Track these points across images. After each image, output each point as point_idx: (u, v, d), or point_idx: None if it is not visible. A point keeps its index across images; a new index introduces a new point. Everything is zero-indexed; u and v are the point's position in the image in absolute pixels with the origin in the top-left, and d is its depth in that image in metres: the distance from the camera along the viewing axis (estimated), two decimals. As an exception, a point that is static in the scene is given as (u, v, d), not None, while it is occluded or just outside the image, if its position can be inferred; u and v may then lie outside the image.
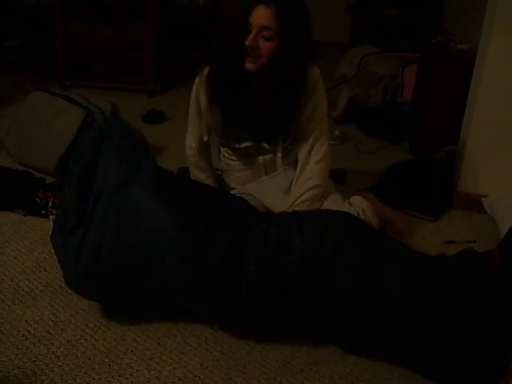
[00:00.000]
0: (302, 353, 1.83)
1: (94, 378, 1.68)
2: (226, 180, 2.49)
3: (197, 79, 2.26)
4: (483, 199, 2.82)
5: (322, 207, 2.22)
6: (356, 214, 2.22)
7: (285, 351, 1.83)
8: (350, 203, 2.31)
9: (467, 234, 2.64)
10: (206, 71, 2.22)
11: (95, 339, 1.82)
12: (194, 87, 2.28)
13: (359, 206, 2.29)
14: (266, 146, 2.24)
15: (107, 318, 1.91)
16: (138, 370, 1.72)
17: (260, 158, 2.28)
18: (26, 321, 1.88)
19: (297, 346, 1.86)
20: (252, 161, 2.31)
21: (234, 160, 2.36)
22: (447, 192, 2.87)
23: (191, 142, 2.40)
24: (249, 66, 2.05)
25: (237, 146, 2.28)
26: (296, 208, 2.17)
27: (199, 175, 2.43)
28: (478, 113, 2.77)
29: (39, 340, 1.81)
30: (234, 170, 2.40)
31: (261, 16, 1.97)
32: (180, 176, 2.61)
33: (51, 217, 2.43)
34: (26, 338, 1.81)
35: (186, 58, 5.57)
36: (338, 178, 2.78)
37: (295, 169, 2.27)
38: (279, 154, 2.25)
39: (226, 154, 2.38)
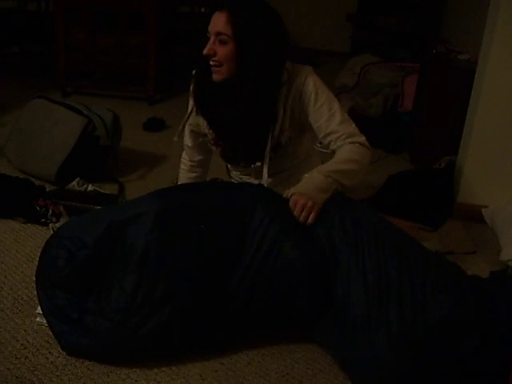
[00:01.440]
0: (301, 364, 1.83)
1: (92, 389, 1.68)
2: None
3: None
4: (483, 210, 2.82)
5: None
6: None
7: (284, 362, 1.83)
8: None
9: (467, 244, 2.64)
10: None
11: (94, 349, 1.82)
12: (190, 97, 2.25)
13: None
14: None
15: (106, 328, 1.91)
16: (136, 381, 1.71)
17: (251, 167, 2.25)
18: (25, 330, 1.87)
19: (296, 358, 1.85)
20: (246, 170, 2.30)
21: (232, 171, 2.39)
22: (447, 202, 2.87)
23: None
24: (214, 76, 2.02)
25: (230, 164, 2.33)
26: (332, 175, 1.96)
27: (189, 174, 2.42)
28: (478, 123, 2.77)
29: (38, 349, 1.80)
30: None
31: (215, 22, 1.96)
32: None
33: (50, 225, 2.44)
34: (25, 348, 1.80)
35: (187, 66, 5.57)
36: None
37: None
38: (265, 163, 2.15)
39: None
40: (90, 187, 2.76)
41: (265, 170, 2.14)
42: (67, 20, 4.30)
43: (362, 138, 2.07)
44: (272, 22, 1.99)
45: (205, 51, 1.97)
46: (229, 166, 2.40)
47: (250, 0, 2.00)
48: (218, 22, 1.94)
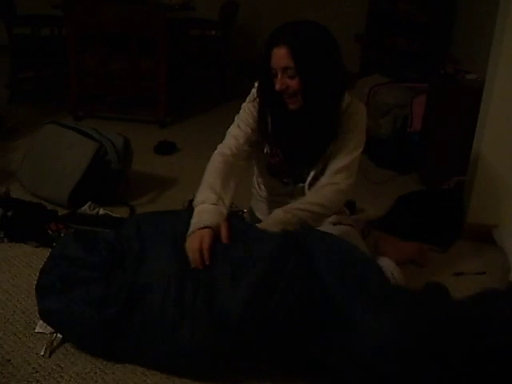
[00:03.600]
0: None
1: (103, 412, 1.69)
2: (252, 208, 2.53)
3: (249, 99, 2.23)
4: (493, 230, 2.82)
5: None
6: None
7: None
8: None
9: (477, 265, 2.64)
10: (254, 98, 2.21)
11: (105, 373, 1.83)
12: (248, 105, 2.22)
13: (388, 268, 2.22)
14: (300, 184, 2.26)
15: (117, 351, 1.92)
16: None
17: (291, 186, 2.31)
18: (37, 353, 1.89)
19: None
20: (283, 189, 2.33)
21: (266, 187, 2.40)
22: (457, 223, 2.87)
23: (232, 143, 2.16)
24: (291, 106, 2.06)
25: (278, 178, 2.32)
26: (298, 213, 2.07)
27: (215, 186, 2.04)
28: (487, 142, 2.78)
29: (49, 373, 1.81)
30: (263, 197, 2.44)
31: (278, 58, 1.98)
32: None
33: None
34: (37, 371, 1.82)
35: (197, 88, 5.64)
36: (347, 209, 2.79)
37: None
38: (307, 182, 2.23)
39: (260, 180, 2.42)
40: (102, 211, 2.79)
41: (306, 189, 2.22)
42: (79, 45, 4.37)
43: (343, 185, 2.14)
44: (329, 45, 2.02)
45: (277, 87, 2.00)
46: (264, 188, 2.43)
47: (306, 30, 2.01)
48: (281, 58, 1.97)
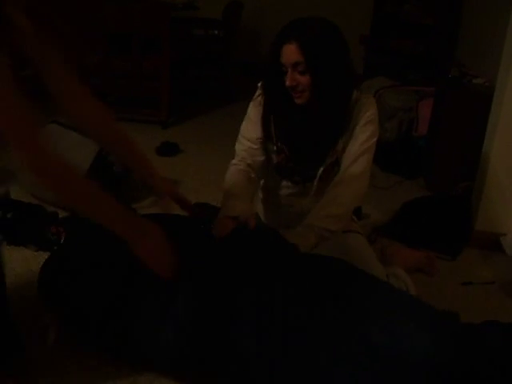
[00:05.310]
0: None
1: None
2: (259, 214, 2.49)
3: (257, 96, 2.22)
4: (501, 238, 2.77)
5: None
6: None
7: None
8: (395, 276, 2.21)
9: (486, 274, 2.59)
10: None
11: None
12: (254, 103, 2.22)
13: (402, 278, 2.21)
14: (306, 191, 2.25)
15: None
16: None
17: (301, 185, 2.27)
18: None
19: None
20: (293, 188, 2.30)
21: (276, 190, 2.36)
22: (464, 230, 2.82)
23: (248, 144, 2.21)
24: (298, 101, 2.04)
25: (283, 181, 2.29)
26: (316, 223, 2.07)
27: (239, 188, 2.14)
28: (496, 149, 2.74)
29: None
30: (270, 204, 2.41)
31: (288, 54, 1.97)
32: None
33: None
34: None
35: (200, 88, 5.59)
36: (353, 214, 2.75)
37: None
38: (317, 178, 2.20)
39: (269, 184, 2.39)
40: (103, 214, 2.73)
41: (314, 185, 2.21)
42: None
43: (357, 172, 2.13)
44: (339, 44, 2.03)
45: (287, 83, 2.00)
46: (274, 191, 2.38)
47: (316, 26, 2.00)
48: (291, 54, 1.96)
